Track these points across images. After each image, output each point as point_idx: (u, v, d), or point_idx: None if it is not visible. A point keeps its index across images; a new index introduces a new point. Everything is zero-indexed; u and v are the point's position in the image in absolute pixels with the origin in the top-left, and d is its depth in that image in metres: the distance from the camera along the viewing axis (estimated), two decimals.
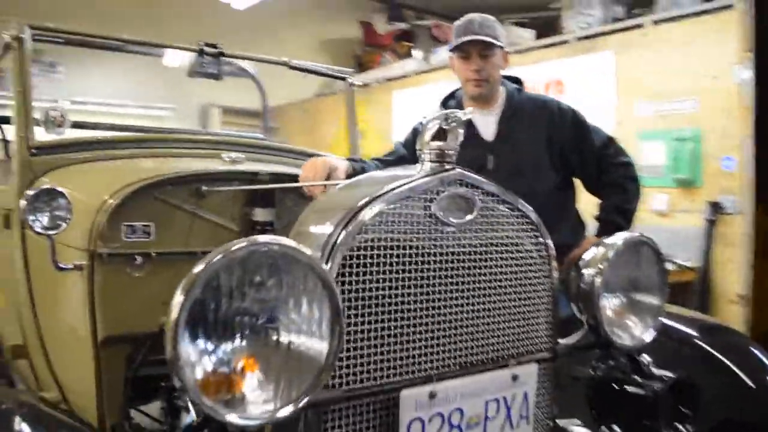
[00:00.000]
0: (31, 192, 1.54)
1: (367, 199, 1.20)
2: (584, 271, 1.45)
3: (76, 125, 2.32)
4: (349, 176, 2.08)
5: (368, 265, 1.18)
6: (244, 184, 1.92)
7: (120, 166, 2.03)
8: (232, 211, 1.92)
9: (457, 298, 1.29)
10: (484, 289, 1.33)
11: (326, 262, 1.13)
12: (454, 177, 1.29)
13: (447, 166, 1.29)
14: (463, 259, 1.30)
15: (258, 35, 7.61)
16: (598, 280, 1.43)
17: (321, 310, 1.04)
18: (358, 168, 2.17)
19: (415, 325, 1.23)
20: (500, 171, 2.26)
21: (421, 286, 1.24)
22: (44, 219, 1.60)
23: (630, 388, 1.47)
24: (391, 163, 2.38)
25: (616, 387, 1.50)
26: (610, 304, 1.48)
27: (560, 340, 1.48)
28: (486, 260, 1.33)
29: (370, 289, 1.18)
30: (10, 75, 2.05)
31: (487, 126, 2.31)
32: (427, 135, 1.30)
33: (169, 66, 3.33)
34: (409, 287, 1.22)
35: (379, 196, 1.21)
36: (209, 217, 1.88)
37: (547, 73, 4.72)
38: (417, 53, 6.44)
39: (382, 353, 1.19)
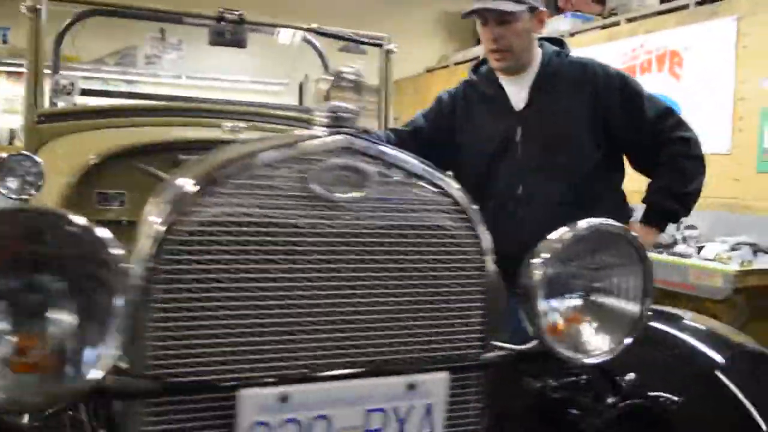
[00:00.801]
0: (2, 155, 1.55)
1: (220, 163, 1.04)
2: (531, 264, 1.18)
3: (86, 93, 2.36)
4: None
5: (220, 243, 1.02)
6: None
7: (117, 134, 2.02)
8: None
9: (338, 288, 1.09)
10: (378, 279, 1.12)
11: (167, 235, 1.00)
12: (340, 144, 1.09)
13: (334, 130, 1.09)
14: (352, 243, 1.10)
15: (376, 10, 7.56)
16: (537, 276, 1.15)
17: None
18: None
19: (273, 316, 1.05)
20: (529, 144, 2.00)
21: (286, 271, 1.06)
22: (14, 184, 1.61)
23: (573, 411, 1.19)
24: (405, 134, 2.18)
25: (562, 408, 1.22)
26: (561, 307, 1.20)
27: (505, 346, 1.23)
28: (384, 245, 1.12)
29: (216, 271, 1.02)
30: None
31: (519, 94, 2.05)
32: (318, 95, 1.11)
33: (283, 43, 3.38)
34: (268, 271, 1.05)
35: (239, 160, 1.04)
36: None
37: (662, 43, 4.18)
38: None
39: (226, 345, 1.03)
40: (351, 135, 1.10)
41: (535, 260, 1.16)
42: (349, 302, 1.10)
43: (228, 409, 1.02)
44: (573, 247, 1.17)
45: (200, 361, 1.02)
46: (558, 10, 6.23)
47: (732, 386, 1.30)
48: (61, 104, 2.17)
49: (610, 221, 1.20)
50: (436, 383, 1.13)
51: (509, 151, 2.02)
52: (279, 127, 2.26)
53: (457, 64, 6.43)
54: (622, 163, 2.10)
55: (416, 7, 7.67)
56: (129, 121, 2.09)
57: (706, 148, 3.80)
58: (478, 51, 6.23)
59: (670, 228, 3.94)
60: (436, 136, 2.14)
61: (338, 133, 1.09)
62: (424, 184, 1.15)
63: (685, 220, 4.12)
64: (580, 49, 4.87)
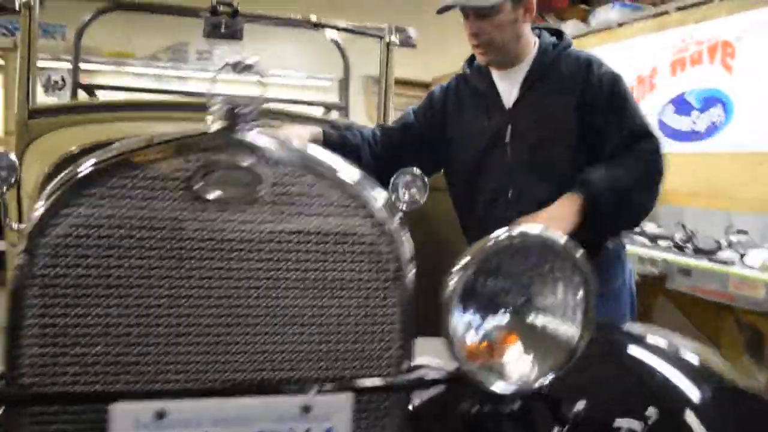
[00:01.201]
0: None
1: (93, 161, 0.98)
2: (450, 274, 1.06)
3: (81, 87, 2.36)
4: (322, 147, 1.85)
5: (97, 246, 0.96)
6: None
7: (102, 129, 2.01)
8: None
9: (229, 297, 1.01)
10: (274, 289, 1.03)
11: (39, 237, 0.95)
12: (232, 141, 1.01)
13: (227, 126, 1.01)
14: (244, 249, 1.01)
15: (416, 6, 7.42)
16: (452, 288, 1.04)
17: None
18: (335, 136, 1.91)
19: (153, 325, 0.99)
20: (518, 143, 1.87)
21: (169, 278, 0.99)
22: None
23: None
24: (393, 131, 2.07)
25: None
26: (485, 325, 1.08)
27: (432, 366, 1.12)
28: (281, 252, 1.03)
29: (91, 276, 0.96)
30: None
31: (510, 90, 1.90)
32: (212, 87, 1.04)
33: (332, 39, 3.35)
34: (149, 277, 0.98)
35: (118, 157, 0.98)
36: None
37: (714, 33, 3.88)
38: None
39: (102, 354, 0.97)
40: (246, 131, 1.02)
41: (454, 269, 1.04)
42: (241, 313, 1.02)
43: (103, 422, 0.96)
44: (499, 257, 1.05)
45: (76, 370, 0.97)
46: None
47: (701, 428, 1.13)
48: (52, 99, 2.19)
49: (547, 229, 1.07)
50: (337, 406, 1.03)
51: (498, 150, 1.89)
52: (271, 123, 2.20)
53: None
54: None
55: None
56: (117, 116, 2.08)
57: (760, 147, 3.55)
58: None
59: (716, 231, 3.68)
60: (427, 132, 2.03)
61: (231, 129, 1.01)
62: (332, 186, 1.06)
63: (736, 223, 3.82)
64: (627, 41, 4.62)
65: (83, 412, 0.97)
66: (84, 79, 6.83)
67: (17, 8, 2.08)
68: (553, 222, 1.52)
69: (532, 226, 1.08)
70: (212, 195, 0.99)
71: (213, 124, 1.02)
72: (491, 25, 1.76)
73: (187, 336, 1.00)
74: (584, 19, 5.50)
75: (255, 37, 2.39)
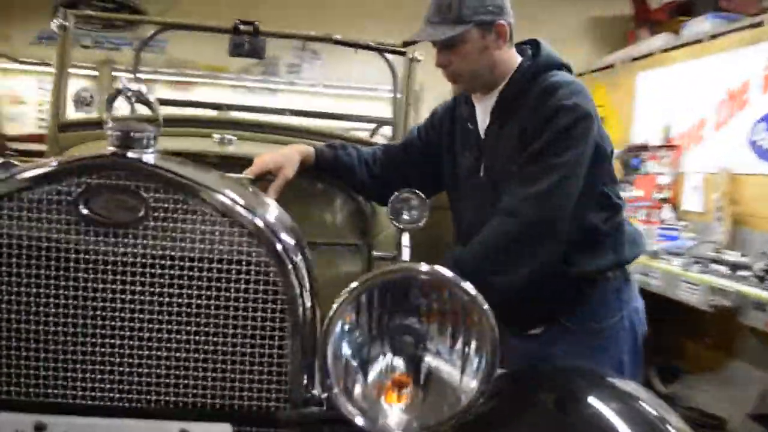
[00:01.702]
0: None
1: None
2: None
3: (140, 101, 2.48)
4: (314, 167, 1.84)
5: None
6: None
7: None
8: None
9: (113, 319, 1.02)
10: (158, 314, 1.03)
11: None
12: (118, 165, 1.02)
13: (118, 150, 1.02)
14: (128, 272, 1.02)
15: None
16: (328, 324, 0.98)
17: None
18: (328, 156, 1.88)
19: (38, 341, 1.01)
20: (488, 177, 1.70)
21: (54, 297, 1.01)
22: None
23: None
24: (396, 149, 2.01)
25: None
26: (370, 367, 1.01)
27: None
28: (165, 276, 1.03)
29: None
30: None
31: (484, 119, 1.74)
32: (106, 112, 1.05)
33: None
34: (37, 296, 1.01)
35: (8, 179, 1.02)
36: None
37: None
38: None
39: None
40: (140, 155, 1.03)
41: (334, 305, 0.99)
42: (125, 335, 1.03)
43: None
44: (377, 294, 0.98)
45: None
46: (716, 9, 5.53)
47: None
48: (81, 114, 2.33)
49: (434, 266, 0.99)
50: None
51: (473, 182, 1.74)
52: (286, 138, 2.21)
53: (594, 71, 5.92)
54: (606, 198, 1.68)
55: (557, 13, 7.25)
56: None
57: None
58: (617, 56, 5.72)
59: None
60: (427, 151, 1.95)
61: (122, 153, 1.02)
62: (221, 212, 1.04)
63: None
64: (717, 54, 4.27)
65: None
66: (180, 92, 7.23)
67: (56, 29, 2.23)
68: None
69: (418, 264, 1.00)
70: (97, 217, 1.01)
71: (108, 147, 1.03)
72: (458, 56, 1.62)
73: (73, 354, 1.02)
74: (677, 32, 5.17)
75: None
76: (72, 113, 2.29)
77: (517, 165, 1.55)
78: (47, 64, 6.30)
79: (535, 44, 1.72)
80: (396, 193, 1.77)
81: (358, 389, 0.99)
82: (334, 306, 0.97)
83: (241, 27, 2.27)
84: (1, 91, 5.37)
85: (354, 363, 1.01)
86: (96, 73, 5.76)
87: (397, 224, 1.78)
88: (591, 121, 1.53)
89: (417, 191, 1.74)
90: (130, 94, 1.03)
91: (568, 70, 1.70)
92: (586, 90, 1.61)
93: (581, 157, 1.52)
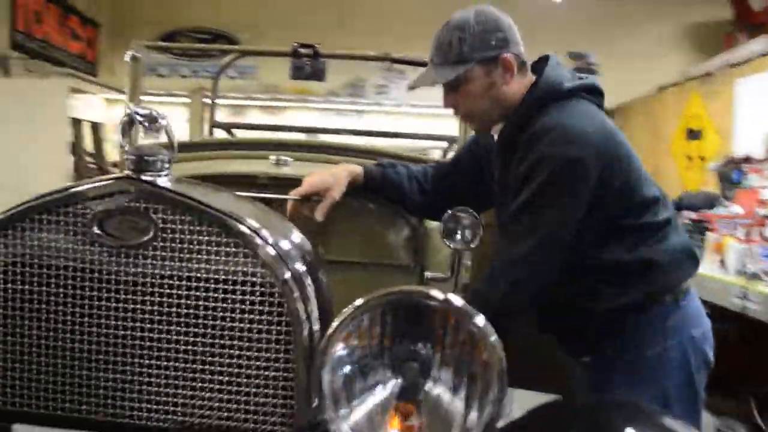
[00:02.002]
0: None
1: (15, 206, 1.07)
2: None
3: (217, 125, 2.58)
4: (363, 186, 1.82)
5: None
6: (244, 187, 1.85)
7: (190, 166, 2.18)
8: None
9: (123, 337, 1.05)
10: (168, 333, 1.04)
11: None
12: (127, 187, 1.05)
13: (132, 173, 1.05)
14: (138, 291, 1.04)
15: (602, 28, 7.03)
16: (323, 348, 0.95)
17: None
18: (376, 175, 1.87)
19: (49, 356, 1.05)
20: (502, 219, 1.65)
21: (70, 314, 1.05)
22: None
23: None
24: (444, 167, 1.97)
25: None
26: (372, 396, 0.98)
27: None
28: (172, 296, 1.04)
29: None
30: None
31: (497, 154, 1.66)
32: (121, 136, 1.09)
33: None
34: (53, 313, 1.05)
35: (26, 204, 1.07)
36: None
37: None
38: None
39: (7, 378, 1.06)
40: (153, 179, 1.05)
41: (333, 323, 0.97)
42: (135, 353, 1.05)
43: None
44: (380, 316, 0.95)
45: None
46: None
47: None
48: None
49: (443, 292, 0.95)
50: None
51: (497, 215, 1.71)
52: (339, 158, 2.22)
53: (690, 79, 5.60)
54: (636, 229, 1.55)
55: (653, 20, 6.94)
56: (206, 155, 2.24)
57: None
58: (714, 63, 5.38)
59: None
60: (475, 167, 1.89)
61: (134, 178, 1.05)
62: (228, 235, 1.04)
63: None
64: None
65: None
66: (268, 116, 7.48)
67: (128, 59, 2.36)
68: None
69: (427, 288, 0.96)
70: (109, 239, 1.03)
71: (123, 171, 1.07)
72: (465, 96, 1.54)
73: (88, 370, 1.05)
74: None
75: None
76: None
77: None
78: (149, 94, 6.74)
79: (543, 65, 1.58)
80: (449, 211, 1.73)
81: (358, 415, 0.96)
82: (333, 325, 0.95)
83: (301, 50, 2.31)
84: (109, 120, 5.75)
85: (356, 387, 0.97)
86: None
87: (448, 244, 1.73)
88: (579, 167, 1.40)
89: (469, 209, 1.68)
90: (140, 119, 1.06)
91: (587, 90, 1.55)
92: (581, 129, 1.44)
93: (567, 211, 1.42)
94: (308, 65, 2.38)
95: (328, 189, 1.72)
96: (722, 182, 4.70)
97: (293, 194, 1.70)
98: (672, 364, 1.51)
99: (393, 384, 0.99)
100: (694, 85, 5.49)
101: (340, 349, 0.96)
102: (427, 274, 1.95)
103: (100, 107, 6.57)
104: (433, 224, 1.98)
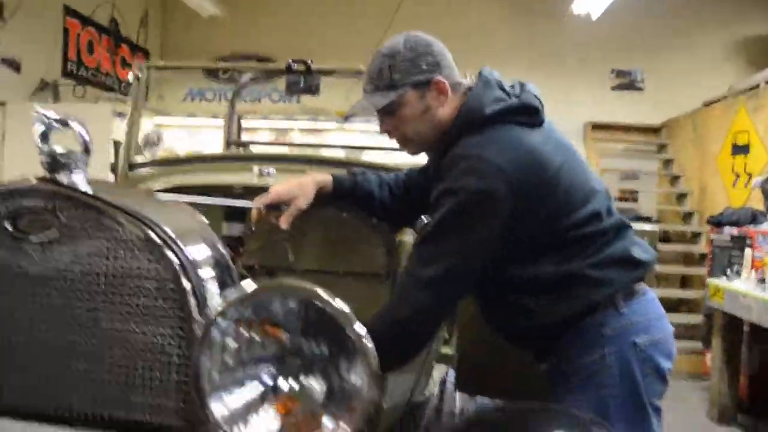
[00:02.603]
0: None
1: None
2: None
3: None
4: (332, 195, 1.85)
5: None
6: (225, 196, 1.90)
7: (177, 178, 2.26)
8: (212, 223, 1.94)
9: (32, 329, 1.10)
10: (69, 325, 1.09)
11: None
12: (26, 188, 1.12)
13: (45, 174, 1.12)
14: (37, 283, 1.10)
15: (648, 42, 6.87)
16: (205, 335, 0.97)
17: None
18: (347, 184, 1.88)
19: None
20: None
21: None
22: None
23: None
24: (413, 173, 1.96)
25: None
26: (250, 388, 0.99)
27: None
28: (74, 290, 1.09)
29: None
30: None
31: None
32: (36, 139, 1.15)
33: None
34: None
35: None
36: None
37: None
38: None
39: None
40: (66, 179, 1.11)
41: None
42: (40, 341, 1.10)
43: None
44: (250, 312, 0.96)
45: None
46: None
47: None
48: (146, 155, 2.53)
49: (313, 287, 0.96)
50: None
51: None
52: (325, 169, 2.25)
53: (737, 94, 5.39)
54: (568, 242, 1.51)
55: (701, 35, 6.73)
56: (193, 168, 2.33)
57: None
58: (763, 76, 5.15)
59: None
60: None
61: (45, 179, 1.11)
62: (127, 231, 1.09)
63: None
64: None
65: None
66: (313, 136, 7.61)
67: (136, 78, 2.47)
68: None
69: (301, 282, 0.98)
70: (21, 235, 1.10)
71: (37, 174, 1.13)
72: (400, 121, 1.54)
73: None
74: None
75: None
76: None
77: None
78: (194, 116, 7.03)
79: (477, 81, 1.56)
80: (422, 218, 1.73)
81: (234, 402, 0.98)
82: (212, 312, 0.97)
83: (294, 66, 2.37)
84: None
85: (235, 376, 0.99)
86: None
87: None
88: (487, 200, 1.39)
89: None
90: (47, 121, 1.11)
91: (516, 112, 1.51)
92: (492, 161, 1.40)
93: (470, 243, 1.40)
94: (302, 79, 2.43)
95: (293, 198, 1.74)
96: (766, 197, 4.48)
97: (257, 202, 1.74)
98: (611, 371, 1.45)
99: (272, 376, 1.00)
100: (742, 99, 5.29)
101: (219, 337, 0.98)
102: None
103: (149, 130, 6.88)
104: (407, 231, 1.98)
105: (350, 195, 1.85)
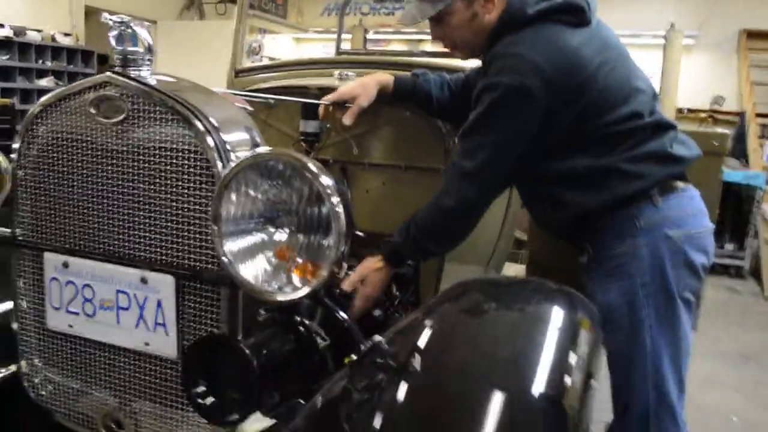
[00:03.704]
0: None
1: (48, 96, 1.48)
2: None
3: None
4: (393, 94, 2.02)
5: (39, 149, 1.48)
6: (305, 97, 2.13)
7: (275, 81, 2.51)
8: (292, 121, 2.19)
9: (108, 190, 1.42)
10: (130, 187, 1.39)
11: (22, 148, 1.51)
12: (101, 80, 1.41)
13: (119, 69, 1.40)
14: (118, 156, 1.40)
15: None
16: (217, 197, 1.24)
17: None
18: (407, 84, 2.03)
19: (70, 202, 1.46)
20: None
21: (80, 174, 1.45)
22: None
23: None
24: (472, 75, 2.06)
25: None
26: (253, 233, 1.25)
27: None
28: (135, 161, 1.38)
29: (49, 169, 1.48)
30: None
31: None
32: (112, 41, 1.42)
33: None
34: (69, 174, 1.46)
35: (57, 95, 1.47)
36: (277, 125, 2.24)
37: None
38: None
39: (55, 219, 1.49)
40: (135, 73, 1.39)
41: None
42: (116, 203, 1.42)
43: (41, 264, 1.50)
44: (248, 175, 1.21)
45: (35, 225, 1.51)
46: None
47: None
48: (250, 62, 2.80)
49: (282, 151, 1.21)
50: (163, 283, 1.36)
51: None
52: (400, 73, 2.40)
53: None
54: (607, 136, 1.60)
55: None
56: (293, 74, 2.57)
57: None
58: None
59: None
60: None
61: (117, 73, 1.39)
62: (172, 115, 1.35)
63: None
64: None
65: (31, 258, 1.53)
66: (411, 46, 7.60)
67: None
68: (364, 288, 1.62)
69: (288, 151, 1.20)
70: (100, 118, 1.40)
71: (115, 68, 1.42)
72: (449, 28, 1.67)
73: (90, 214, 1.45)
74: None
75: None
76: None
77: None
78: (331, 32, 7.31)
79: None
80: None
81: (241, 244, 1.25)
82: (224, 173, 1.24)
83: None
84: (294, 57, 6.42)
85: (243, 225, 1.25)
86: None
87: None
88: (524, 95, 1.49)
89: None
90: (114, 25, 1.38)
91: (559, 11, 1.57)
92: (530, 58, 1.50)
93: (511, 136, 1.54)
94: None
95: (356, 96, 1.94)
96: None
97: (324, 100, 1.96)
98: (642, 262, 1.53)
99: (271, 230, 1.25)
100: None
101: (234, 192, 1.23)
102: None
103: (288, 45, 7.29)
104: None
105: (411, 94, 2.01)
